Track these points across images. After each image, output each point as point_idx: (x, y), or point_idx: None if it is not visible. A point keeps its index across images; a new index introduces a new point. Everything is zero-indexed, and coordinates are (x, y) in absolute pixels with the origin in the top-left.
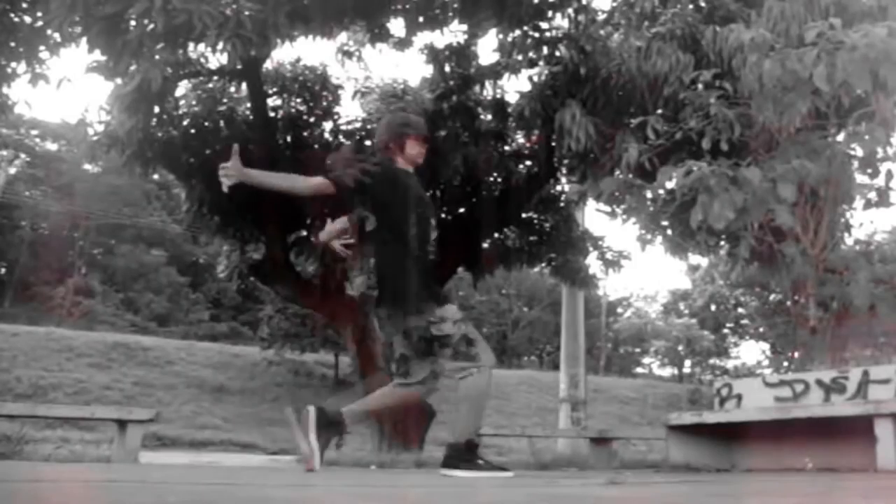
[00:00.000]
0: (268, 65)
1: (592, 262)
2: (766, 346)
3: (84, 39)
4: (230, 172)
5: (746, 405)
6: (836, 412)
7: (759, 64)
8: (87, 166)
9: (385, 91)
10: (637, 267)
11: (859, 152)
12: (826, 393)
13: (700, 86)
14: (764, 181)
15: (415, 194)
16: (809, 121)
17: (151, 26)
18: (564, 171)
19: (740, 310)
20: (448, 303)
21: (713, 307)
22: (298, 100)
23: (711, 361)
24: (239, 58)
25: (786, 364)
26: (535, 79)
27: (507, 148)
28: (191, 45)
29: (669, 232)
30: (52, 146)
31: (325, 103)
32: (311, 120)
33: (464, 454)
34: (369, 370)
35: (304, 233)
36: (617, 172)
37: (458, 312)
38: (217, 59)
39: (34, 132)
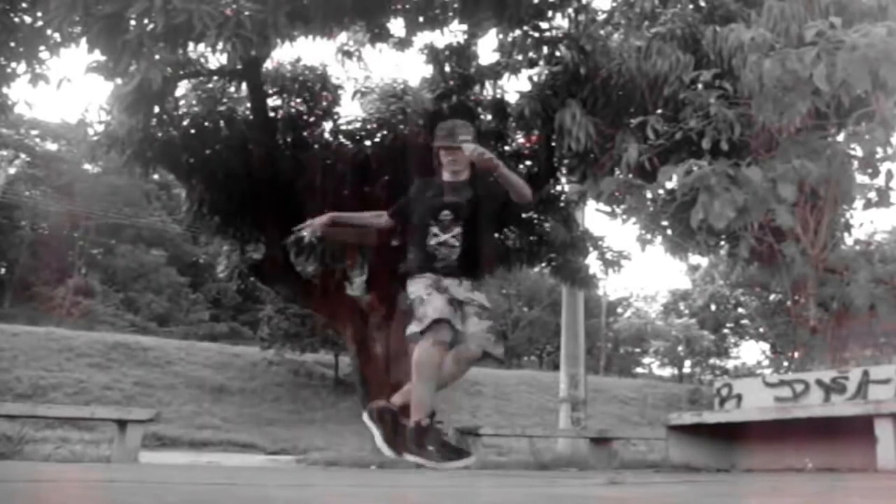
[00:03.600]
0: (268, 65)
1: (592, 263)
2: (766, 346)
3: (84, 39)
4: (315, 228)
5: (746, 405)
6: (836, 412)
7: (759, 64)
8: (87, 166)
9: (385, 91)
10: (637, 267)
11: (859, 152)
12: (826, 393)
13: (700, 86)
14: (764, 181)
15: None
16: (809, 121)
17: (151, 26)
18: (564, 171)
19: (740, 310)
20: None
21: (713, 307)
22: (298, 100)
23: (711, 361)
24: (239, 58)
25: (786, 364)
26: (535, 79)
27: (507, 148)
28: (191, 45)
29: (669, 232)
30: (52, 146)
31: (324, 103)
32: (311, 120)
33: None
34: (369, 370)
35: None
36: (617, 172)
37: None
38: (217, 59)
39: (34, 132)
